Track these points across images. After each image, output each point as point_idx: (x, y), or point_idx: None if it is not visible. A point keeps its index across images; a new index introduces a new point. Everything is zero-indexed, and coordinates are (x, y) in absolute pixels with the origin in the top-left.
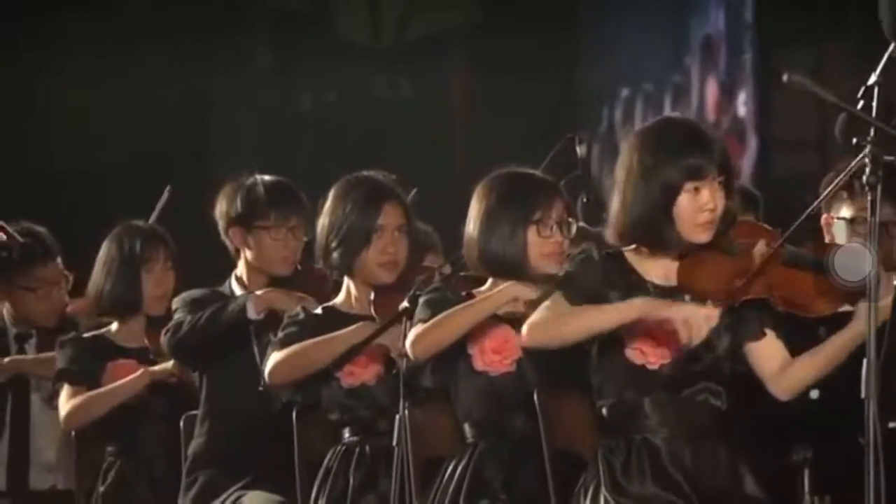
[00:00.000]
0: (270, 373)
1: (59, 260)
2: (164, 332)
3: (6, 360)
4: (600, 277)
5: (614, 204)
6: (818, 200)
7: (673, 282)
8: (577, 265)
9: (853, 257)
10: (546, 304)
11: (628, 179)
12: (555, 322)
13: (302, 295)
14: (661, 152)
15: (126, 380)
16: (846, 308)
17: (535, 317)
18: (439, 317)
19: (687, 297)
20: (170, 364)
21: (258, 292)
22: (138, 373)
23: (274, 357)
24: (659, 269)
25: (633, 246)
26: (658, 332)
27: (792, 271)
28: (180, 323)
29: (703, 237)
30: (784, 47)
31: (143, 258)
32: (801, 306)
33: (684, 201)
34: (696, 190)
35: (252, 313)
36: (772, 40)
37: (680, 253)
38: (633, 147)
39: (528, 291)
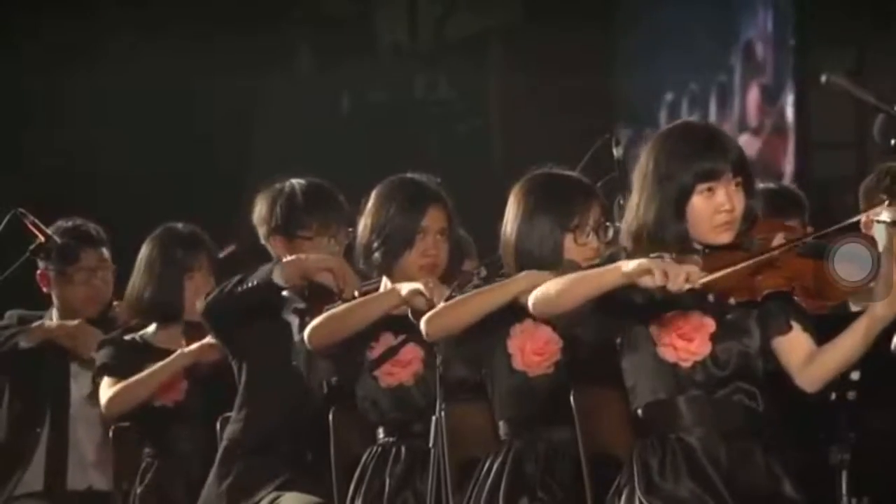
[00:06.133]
0: (310, 335)
1: (103, 250)
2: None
3: (34, 324)
4: None
5: (629, 208)
6: (863, 212)
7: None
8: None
9: (853, 257)
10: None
11: (643, 184)
12: (557, 288)
13: (326, 257)
14: (674, 156)
15: (164, 362)
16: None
17: (539, 289)
18: (455, 298)
19: (710, 297)
20: (205, 340)
21: (288, 258)
22: (175, 354)
23: (313, 322)
24: None
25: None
26: (686, 328)
27: (808, 261)
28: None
29: (723, 238)
30: (825, 48)
31: (186, 266)
32: (821, 295)
33: (699, 204)
34: (711, 191)
35: (279, 279)
36: (812, 41)
37: (701, 254)
38: (648, 152)
39: (545, 278)
